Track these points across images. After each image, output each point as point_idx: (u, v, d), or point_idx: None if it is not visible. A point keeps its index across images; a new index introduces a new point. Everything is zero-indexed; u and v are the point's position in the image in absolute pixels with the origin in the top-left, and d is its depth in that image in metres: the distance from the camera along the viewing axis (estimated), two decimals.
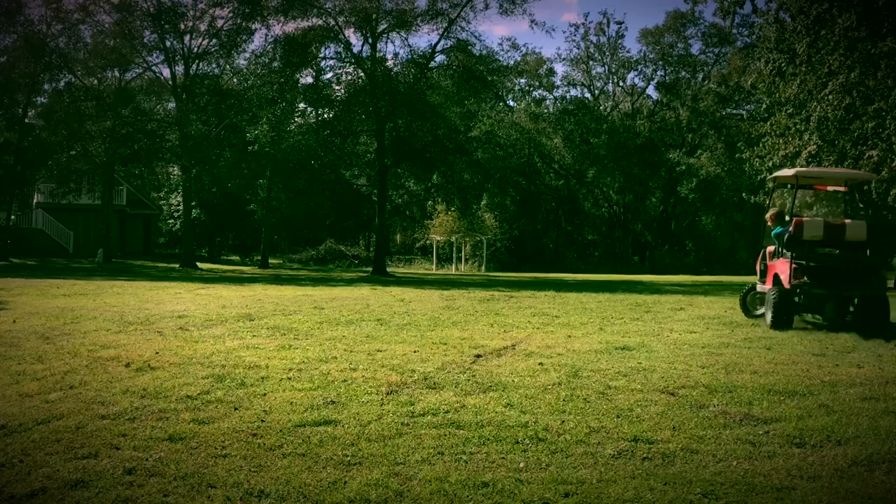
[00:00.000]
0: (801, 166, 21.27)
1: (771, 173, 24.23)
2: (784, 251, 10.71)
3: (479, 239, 43.88)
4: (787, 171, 11.79)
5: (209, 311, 12.15)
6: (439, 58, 34.18)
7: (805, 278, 10.25)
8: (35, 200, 41.33)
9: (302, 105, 37.98)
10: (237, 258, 48.09)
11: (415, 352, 8.07)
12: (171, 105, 36.32)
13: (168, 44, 33.99)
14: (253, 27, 33.99)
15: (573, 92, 56.04)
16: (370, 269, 35.89)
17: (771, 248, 11.45)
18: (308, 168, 33.85)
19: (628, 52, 59.35)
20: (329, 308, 13.02)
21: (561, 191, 52.68)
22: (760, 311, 11.29)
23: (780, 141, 22.68)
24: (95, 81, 34.99)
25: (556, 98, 55.83)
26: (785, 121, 22.00)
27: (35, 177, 37.56)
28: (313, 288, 20.15)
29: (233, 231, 49.08)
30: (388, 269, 35.60)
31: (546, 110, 54.24)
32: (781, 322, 10.25)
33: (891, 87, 16.97)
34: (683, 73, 52.51)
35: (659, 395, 6.04)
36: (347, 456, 4.42)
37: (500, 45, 75.65)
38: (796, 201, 11.55)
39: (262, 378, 6.55)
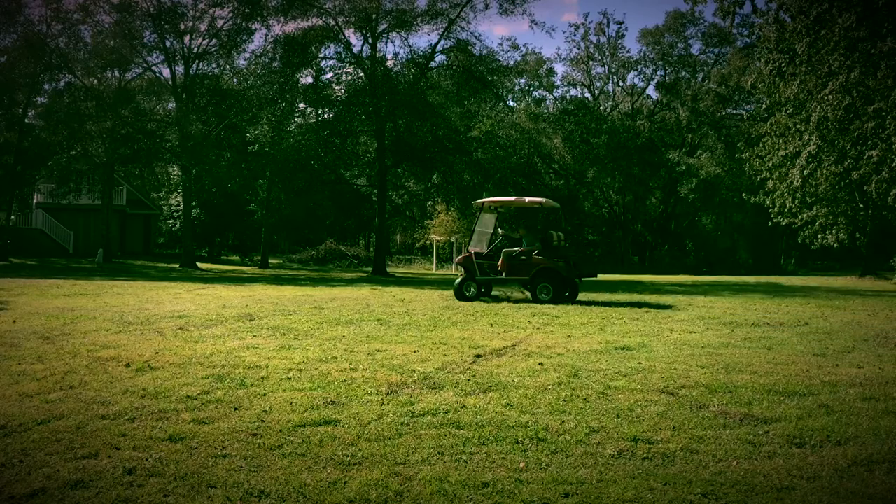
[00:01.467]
0: (801, 166, 21.30)
1: (772, 174, 24.30)
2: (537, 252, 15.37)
3: None
4: (504, 199, 17.45)
5: (209, 311, 12.16)
6: (439, 58, 34.20)
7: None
8: (35, 200, 41.32)
9: (302, 105, 37.96)
10: (237, 258, 48.07)
11: (415, 352, 8.07)
12: (171, 105, 36.31)
13: (168, 44, 33.99)
14: (253, 27, 33.98)
15: (573, 92, 56.08)
16: (370, 269, 35.90)
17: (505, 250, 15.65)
18: (308, 168, 33.83)
19: (628, 52, 59.37)
20: (329, 308, 13.02)
21: (561, 191, 52.63)
22: (471, 292, 15.50)
23: (780, 141, 22.72)
24: (95, 81, 34.96)
25: (556, 98, 55.85)
26: (785, 121, 22.03)
27: (35, 177, 37.54)
28: (313, 288, 20.15)
29: (233, 231, 49.07)
30: (388, 269, 35.61)
31: (546, 110, 54.21)
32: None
33: (891, 87, 16.97)
34: (683, 73, 52.50)
35: (659, 395, 6.04)
36: (347, 456, 4.42)
37: (500, 45, 75.59)
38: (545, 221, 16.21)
39: (262, 378, 6.55)
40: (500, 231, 16.24)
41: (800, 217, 27.30)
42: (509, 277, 15.54)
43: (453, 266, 43.83)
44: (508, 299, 15.55)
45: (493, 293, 16.35)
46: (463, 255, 16.15)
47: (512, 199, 17.95)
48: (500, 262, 15.59)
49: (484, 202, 16.76)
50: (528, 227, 16.19)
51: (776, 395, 6.08)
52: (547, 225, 17.26)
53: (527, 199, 16.99)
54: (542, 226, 16.40)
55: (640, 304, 14.29)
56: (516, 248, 15.67)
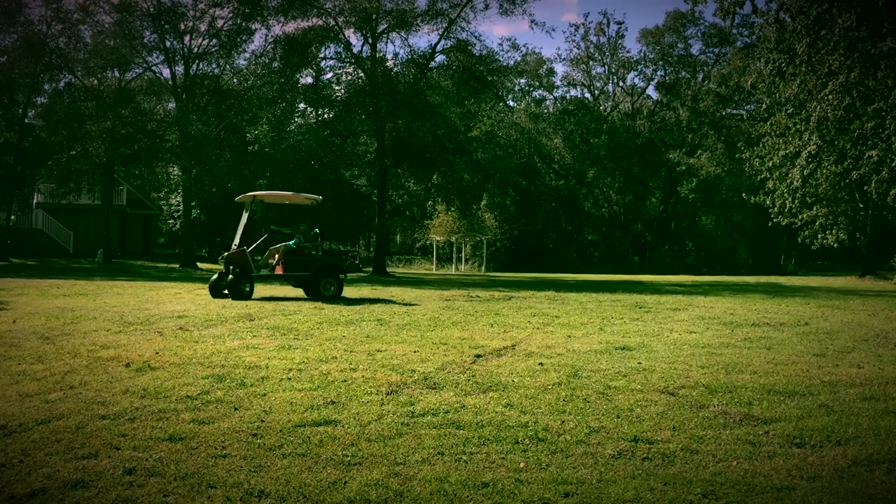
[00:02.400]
0: (801, 166, 21.30)
1: (772, 174, 24.27)
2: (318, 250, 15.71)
3: (479, 239, 43.89)
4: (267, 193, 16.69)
5: (209, 311, 12.15)
6: (439, 58, 34.20)
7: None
8: (35, 200, 41.33)
9: (302, 105, 37.97)
10: None
11: (415, 352, 8.07)
12: (171, 105, 36.32)
13: (168, 44, 34.00)
14: (253, 27, 33.99)
15: (573, 92, 56.14)
16: (370, 269, 35.91)
17: (277, 248, 15.68)
18: (308, 168, 33.81)
19: (628, 52, 59.42)
20: (329, 308, 13.02)
21: (561, 191, 52.68)
22: (248, 290, 14.77)
23: (780, 141, 22.71)
24: (95, 81, 34.97)
25: (556, 98, 55.87)
26: (785, 121, 22.02)
27: (35, 177, 37.56)
28: None
29: (233, 231, 48.99)
30: (388, 270, 35.60)
31: (546, 110, 54.24)
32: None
33: (891, 87, 16.97)
34: (683, 73, 52.53)
35: (659, 395, 6.04)
36: (347, 456, 4.42)
37: (500, 45, 75.54)
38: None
39: (262, 378, 6.55)
40: (271, 227, 16.31)
41: (800, 217, 27.30)
42: (288, 273, 15.24)
43: (453, 266, 43.87)
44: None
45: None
46: (235, 250, 15.25)
47: (287, 193, 17.50)
48: (266, 257, 15.46)
49: (255, 196, 16.14)
50: (306, 225, 16.08)
51: (776, 395, 6.08)
52: (314, 222, 17.05)
53: (302, 195, 16.57)
54: (311, 222, 16.22)
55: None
56: (289, 243, 15.44)
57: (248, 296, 14.74)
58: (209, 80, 34.81)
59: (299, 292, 16.34)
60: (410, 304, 14.21)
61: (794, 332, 10.16)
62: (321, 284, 15.15)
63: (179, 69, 34.43)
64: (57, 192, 37.02)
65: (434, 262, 45.30)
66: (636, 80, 55.98)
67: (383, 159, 33.14)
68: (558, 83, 56.18)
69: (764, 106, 24.60)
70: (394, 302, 14.82)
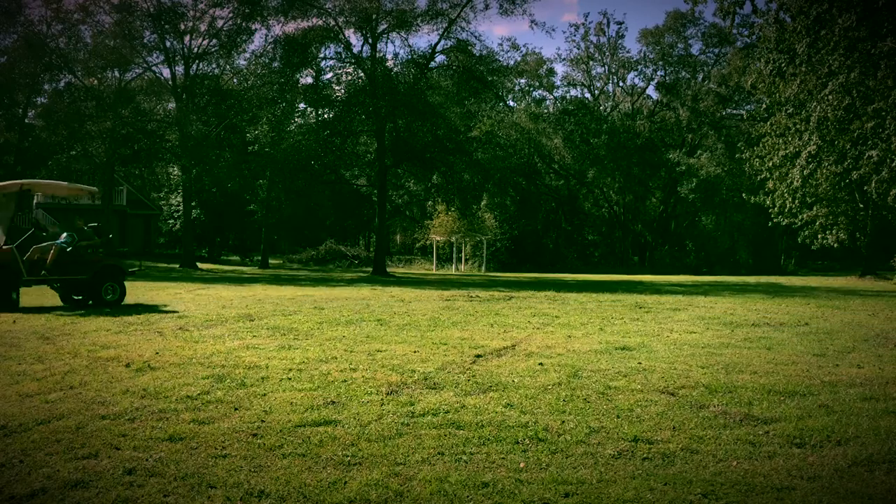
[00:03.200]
0: (801, 166, 21.29)
1: (772, 174, 24.28)
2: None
3: (479, 239, 43.87)
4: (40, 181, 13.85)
5: (209, 311, 12.16)
6: (439, 58, 34.18)
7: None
8: (35, 200, 41.33)
9: (302, 105, 37.95)
10: (237, 258, 48.08)
11: (415, 352, 8.07)
12: (171, 105, 36.33)
13: (168, 44, 34.02)
14: (253, 27, 34.02)
15: (573, 92, 56.10)
16: (370, 269, 35.90)
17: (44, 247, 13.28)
18: (308, 168, 33.81)
19: (628, 52, 59.36)
20: (329, 308, 13.02)
21: (561, 191, 52.67)
22: (16, 297, 12.39)
23: (780, 141, 22.69)
24: (95, 81, 34.98)
25: (556, 98, 55.84)
26: (785, 121, 21.99)
27: (35, 177, 37.56)
28: (313, 288, 20.15)
29: (233, 231, 49.08)
30: (388, 270, 35.59)
31: (546, 110, 54.20)
32: None
33: (891, 87, 16.96)
34: (683, 73, 52.49)
35: (659, 395, 6.04)
36: (347, 456, 4.42)
37: (500, 45, 75.28)
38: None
39: (262, 378, 6.55)
40: (40, 222, 13.82)
41: (800, 217, 27.29)
42: (62, 277, 13.02)
43: (453, 266, 43.86)
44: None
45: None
46: (1, 248, 12.52)
47: (62, 184, 15.40)
48: (29, 257, 12.96)
49: (22, 184, 13.67)
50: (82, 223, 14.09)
51: (776, 395, 6.08)
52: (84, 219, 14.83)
53: (77, 186, 14.53)
54: (85, 218, 14.23)
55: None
56: (59, 242, 13.36)
57: (15, 305, 12.29)
58: (209, 80, 34.82)
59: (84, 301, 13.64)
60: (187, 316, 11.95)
61: (794, 332, 10.16)
62: (103, 289, 13.22)
63: (179, 69, 34.46)
64: None
65: (434, 262, 45.30)
66: (636, 80, 56.03)
67: (383, 159, 33.13)
68: (558, 83, 56.22)
69: (764, 106, 24.58)
70: (167, 311, 12.48)
